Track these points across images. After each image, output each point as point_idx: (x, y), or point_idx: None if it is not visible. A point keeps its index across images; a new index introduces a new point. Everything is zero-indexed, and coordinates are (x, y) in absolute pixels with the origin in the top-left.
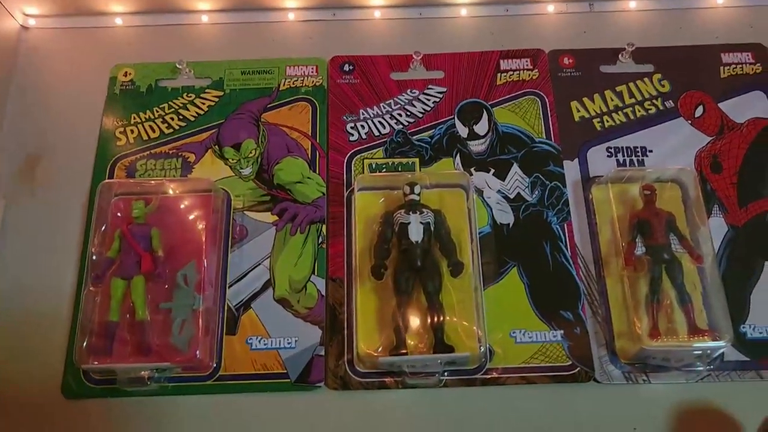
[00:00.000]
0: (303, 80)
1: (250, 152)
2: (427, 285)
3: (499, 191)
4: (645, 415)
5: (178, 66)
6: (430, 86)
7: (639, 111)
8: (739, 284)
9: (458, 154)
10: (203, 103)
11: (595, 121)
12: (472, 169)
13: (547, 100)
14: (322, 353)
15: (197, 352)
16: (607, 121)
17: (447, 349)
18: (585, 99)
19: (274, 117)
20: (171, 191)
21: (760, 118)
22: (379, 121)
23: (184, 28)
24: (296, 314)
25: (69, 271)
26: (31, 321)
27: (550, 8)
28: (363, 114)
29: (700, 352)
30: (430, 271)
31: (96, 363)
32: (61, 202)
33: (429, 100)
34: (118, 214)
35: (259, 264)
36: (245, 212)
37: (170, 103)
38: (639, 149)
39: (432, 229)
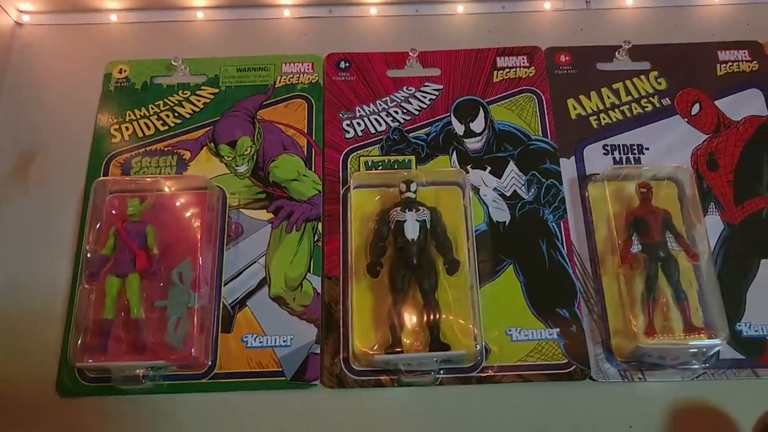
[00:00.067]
0: (299, 77)
1: (246, 150)
2: (423, 283)
3: (495, 189)
4: (641, 413)
5: (173, 63)
6: (426, 83)
7: (635, 108)
8: (735, 282)
9: (454, 152)
10: (199, 101)
11: (591, 118)
12: (468, 167)
13: (543, 97)
14: (318, 351)
15: (192, 350)
16: (604, 119)
17: (443, 347)
18: (581, 96)
19: (270, 114)
20: (166, 189)
21: (756, 115)
22: (375, 119)
23: (179, 25)
24: (292, 312)
25: (63, 268)
26: (26, 319)
27: (547, 5)
28: (359, 111)
29: (695, 350)
30: (426, 269)
31: (91, 361)
32: (55, 199)
33: (425, 97)
34: (113, 212)
35: (255, 262)
36: (241, 210)
37: (165, 100)
38: (635, 147)
39: (428, 226)
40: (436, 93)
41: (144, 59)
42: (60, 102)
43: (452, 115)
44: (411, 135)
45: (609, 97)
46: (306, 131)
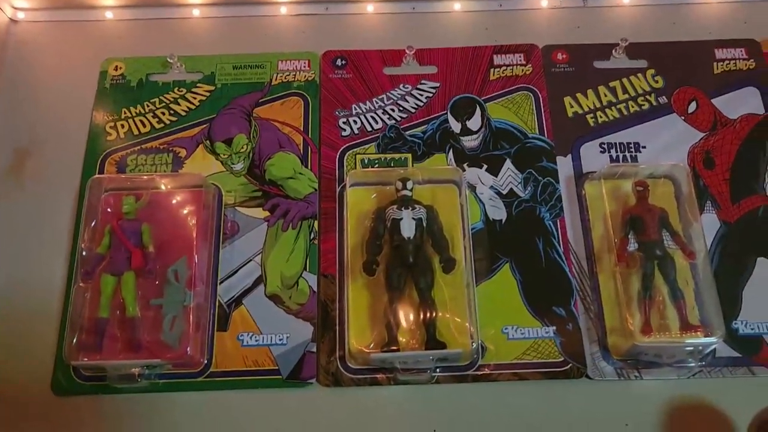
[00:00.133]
0: (295, 75)
1: (242, 147)
2: (420, 281)
3: (491, 187)
4: (637, 411)
5: (169, 60)
6: (423, 81)
7: (632, 107)
8: (731, 280)
9: (451, 150)
10: (194, 98)
11: (588, 116)
12: (464, 165)
13: (540, 95)
14: (314, 350)
15: (188, 349)
16: (601, 117)
17: (439, 345)
18: (578, 94)
19: (266, 112)
20: (162, 187)
21: (753, 114)
22: (372, 117)
23: (175, 22)
24: (288, 310)
25: (59, 267)
26: (21, 317)
27: (544, 3)
28: (355, 109)
29: (692, 348)
30: (422, 267)
31: (86, 360)
32: (50, 197)
33: (422, 95)
34: (108, 210)
35: (251, 260)
36: (237, 208)
37: (161, 97)
38: (632, 145)
39: (424, 225)
40: (433, 91)
41: (140, 56)
42: (55, 99)
43: (449, 113)
44: (407, 133)
45: (606, 95)
46: (302, 129)
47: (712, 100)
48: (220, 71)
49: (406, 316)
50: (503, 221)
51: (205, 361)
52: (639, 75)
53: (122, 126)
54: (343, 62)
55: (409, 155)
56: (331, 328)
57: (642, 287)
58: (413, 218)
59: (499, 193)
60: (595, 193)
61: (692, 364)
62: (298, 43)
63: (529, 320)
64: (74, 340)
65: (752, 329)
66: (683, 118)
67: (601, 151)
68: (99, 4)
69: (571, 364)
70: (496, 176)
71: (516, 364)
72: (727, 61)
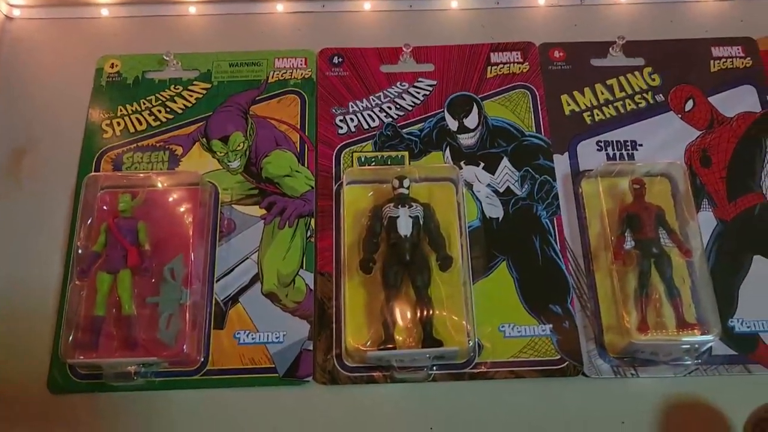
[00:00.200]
0: (292, 72)
1: (238, 145)
2: (416, 279)
3: (488, 185)
4: (633, 408)
5: (165, 58)
6: (420, 79)
7: (629, 105)
8: (727, 278)
9: (448, 148)
10: (191, 96)
11: (585, 114)
12: (461, 163)
13: (537, 93)
14: (311, 348)
15: (184, 347)
16: (597, 115)
17: (436, 343)
18: (575, 92)
19: (263, 110)
20: (158, 184)
21: (749, 112)
22: (369, 114)
23: (171, 20)
24: (284, 308)
25: (54, 265)
26: (17, 315)
27: (541, 1)
28: (352, 107)
29: (688, 346)
30: (419, 265)
31: (82, 358)
32: (46, 195)
33: (419, 93)
34: (105, 208)
35: (247, 258)
36: (233, 206)
37: (157, 95)
38: (629, 143)
39: (421, 222)
40: (430, 88)
41: (136, 54)
42: (51, 97)
43: (446, 111)
44: (404, 131)
45: (603, 93)
46: (299, 127)
47: (709, 98)
48: (216, 69)
49: (402, 314)
50: (500, 219)
51: (202, 359)
52: (636, 73)
53: (118, 123)
54: (340, 60)
55: (406, 153)
56: (328, 326)
57: (638, 285)
58: (410, 216)
59: (496, 191)
60: (592, 191)
61: (688, 362)
62: (295, 41)
63: (526, 318)
64: (70, 338)
65: (748, 327)
66: (680, 116)
67: (598, 149)
68: (95, 2)
69: (567, 362)
70: (493, 174)
71: (513, 362)
72: (724, 60)
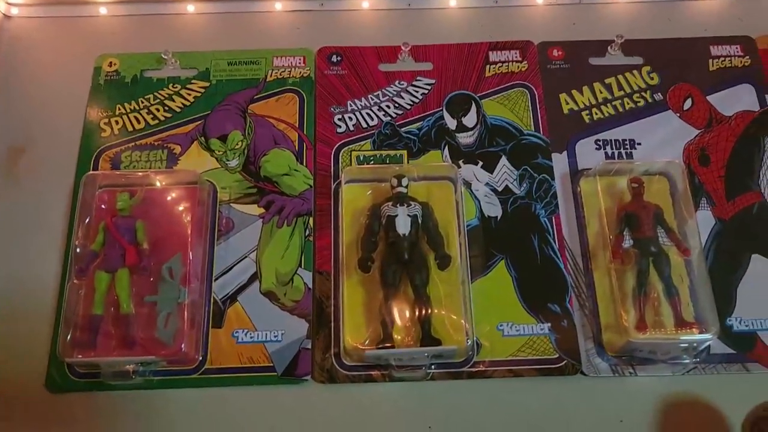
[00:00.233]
0: (290, 71)
1: (237, 144)
2: (415, 278)
3: (487, 184)
4: (632, 407)
5: (163, 56)
6: (418, 78)
7: (628, 103)
8: (725, 277)
9: (446, 147)
10: (189, 94)
11: (583, 113)
12: (460, 162)
13: (536, 92)
14: (309, 346)
15: (182, 346)
16: (596, 114)
17: (434, 342)
18: (574, 91)
19: (261, 108)
20: (156, 183)
21: (748, 111)
22: (367, 113)
23: (169, 18)
24: (283, 307)
25: (53, 263)
26: (15, 314)
27: (540, 0)
28: (351, 105)
29: (686, 344)
30: (417, 264)
31: (80, 356)
32: (44, 193)
33: (417, 91)
34: (103, 206)
35: (246, 257)
36: (231, 204)
37: (156, 93)
38: (627, 142)
39: (419, 221)
40: (428, 87)
41: (134, 52)
42: (49, 95)
43: (444, 110)
44: (403, 129)
45: (601, 92)
46: (297, 125)
47: (708, 97)
48: (214, 67)
49: (401, 312)
50: (498, 218)
51: (200, 358)
52: (634, 72)
53: (116, 122)
54: (339, 58)
55: (405, 152)
56: (326, 325)
57: (637, 284)
58: (408, 215)
59: (494, 190)
60: (591, 190)
61: (687, 361)
62: (293, 40)
63: (524, 317)
64: (68, 337)
65: (746, 326)
66: (678, 115)
67: (596, 148)
68: (93, 0)
69: (566, 361)
70: (492, 173)
71: (511, 361)
72: (723, 58)
